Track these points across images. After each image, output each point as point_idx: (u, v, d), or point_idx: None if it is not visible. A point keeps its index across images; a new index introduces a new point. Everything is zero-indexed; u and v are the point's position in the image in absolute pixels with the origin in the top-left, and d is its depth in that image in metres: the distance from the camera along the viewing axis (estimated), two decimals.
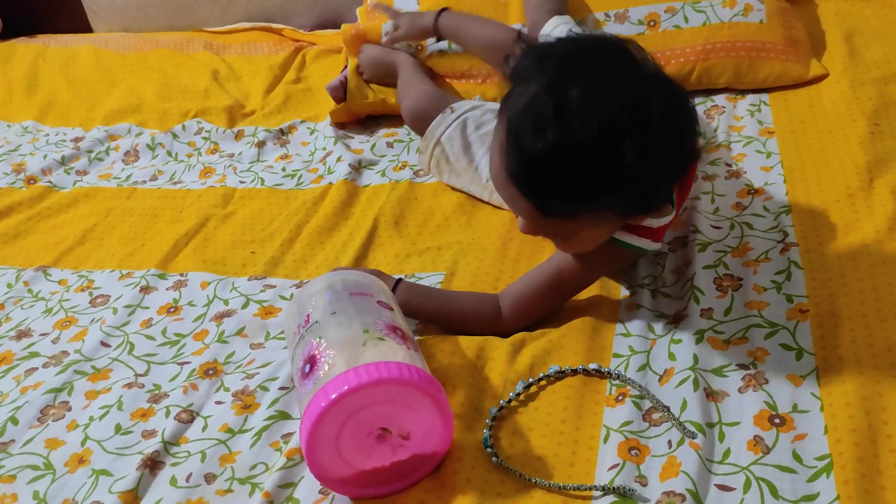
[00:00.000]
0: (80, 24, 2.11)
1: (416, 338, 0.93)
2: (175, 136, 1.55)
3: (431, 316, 0.98)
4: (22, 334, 1.07)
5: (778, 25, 1.34)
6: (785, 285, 0.91)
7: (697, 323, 0.88)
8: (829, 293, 0.88)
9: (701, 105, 1.34)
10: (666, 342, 0.88)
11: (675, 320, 0.91)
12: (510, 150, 0.77)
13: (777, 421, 0.75)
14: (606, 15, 1.39)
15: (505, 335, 0.93)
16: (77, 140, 1.60)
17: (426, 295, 0.99)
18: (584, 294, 0.97)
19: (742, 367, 0.82)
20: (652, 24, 1.37)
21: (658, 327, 0.91)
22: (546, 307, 0.95)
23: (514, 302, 0.94)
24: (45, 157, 1.54)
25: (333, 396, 0.69)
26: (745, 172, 1.13)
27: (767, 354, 0.83)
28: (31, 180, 1.47)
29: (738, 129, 1.24)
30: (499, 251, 1.09)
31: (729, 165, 1.16)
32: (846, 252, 0.93)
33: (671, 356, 0.86)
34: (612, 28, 1.38)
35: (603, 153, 0.73)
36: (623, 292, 0.98)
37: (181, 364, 0.97)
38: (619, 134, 0.73)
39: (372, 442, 0.73)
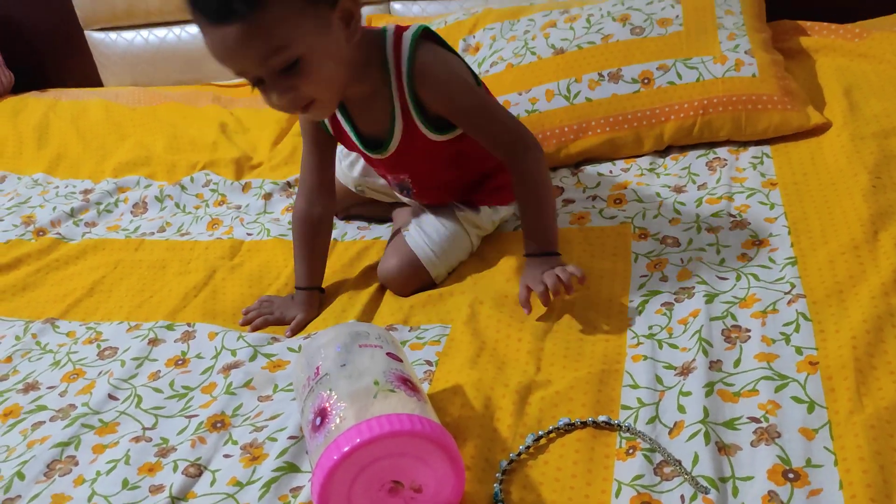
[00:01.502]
0: (90, 79, 2.15)
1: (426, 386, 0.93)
2: (183, 188, 1.57)
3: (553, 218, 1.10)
4: (29, 387, 1.07)
5: (771, 77, 1.37)
6: (793, 337, 0.91)
7: (706, 375, 0.88)
8: (838, 346, 0.88)
9: (703, 157, 1.36)
10: (675, 394, 0.88)
11: (684, 372, 0.90)
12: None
13: (791, 476, 0.75)
14: (600, 75, 1.42)
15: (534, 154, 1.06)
16: (86, 192, 1.62)
17: (539, 230, 1.08)
18: (589, 344, 0.97)
19: (753, 420, 0.82)
20: (646, 81, 1.40)
21: (666, 379, 0.91)
22: (507, 120, 1.08)
23: (506, 149, 1.06)
24: (54, 209, 1.56)
25: (346, 449, 0.69)
26: (750, 224, 1.14)
27: (779, 407, 0.82)
28: (40, 232, 1.49)
29: (740, 181, 1.26)
30: (502, 286, 1.10)
31: (733, 216, 1.17)
32: (854, 304, 0.93)
33: (681, 409, 0.85)
34: (608, 87, 1.41)
35: None
36: (629, 342, 0.98)
37: (189, 417, 0.97)
38: None
39: (384, 495, 0.73)
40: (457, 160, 1.12)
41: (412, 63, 1.02)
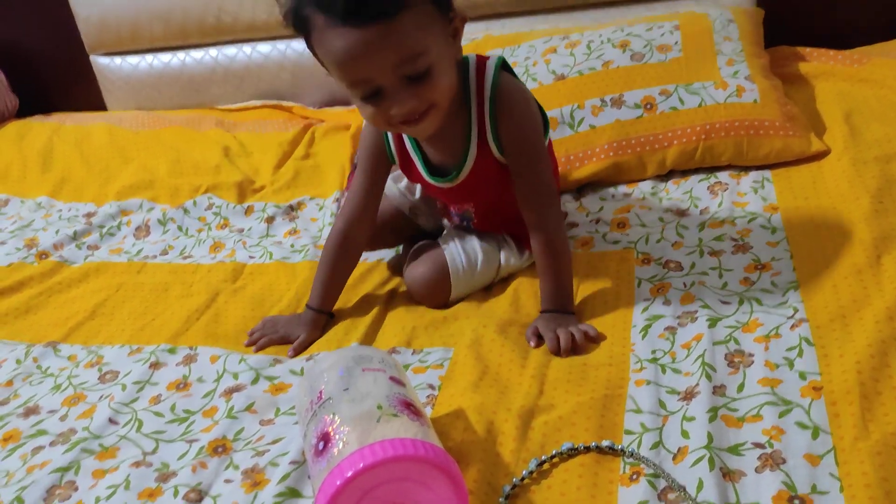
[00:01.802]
0: (95, 103, 2.17)
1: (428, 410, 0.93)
2: (186, 211, 1.57)
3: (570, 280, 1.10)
4: (30, 411, 1.07)
5: (773, 103, 1.38)
6: (797, 362, 0.91)
7: (710, 400, 0.88)
8: (842, 370, 0.87)
9: (704, 181, 1.36)
10: (678, 419, 0.87)
11: (687, 397, 0.90)
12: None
13: (797, 502, 0.74)
14: (602, 101, 1.43)
15: (559, 220, 1.10)
16: (89, 215, 1.62)
17: (557, 292, 1.08)
18: (592, 369, 0.97)
19: (758, 445, 0.81)
20: (649, 106, 1.41)
21: (670, 404, 0.90)
22: (549, 178, 1.09)
23: (536, 206, 1.07)
24: (57, 232, 1.56)
25: (349, 474, 0.69)
26: (752, 248, 1.15)
27: (783, 433, 0.82)
28: (42, 255, 1.49)
29: (741, 205, 1.26)
30: (506, 311, 1.10)
31: (735, 240, 1.17)
32: (858, 329, 0.93)
33: (684, 434, 0.85)
34: (611, 113, 1.42)
35: None
36: (632, 367, 0.97)
37: (190, 441, 0.96)
38: None
39: None
40: None
41: (496, 88, 1.04)
